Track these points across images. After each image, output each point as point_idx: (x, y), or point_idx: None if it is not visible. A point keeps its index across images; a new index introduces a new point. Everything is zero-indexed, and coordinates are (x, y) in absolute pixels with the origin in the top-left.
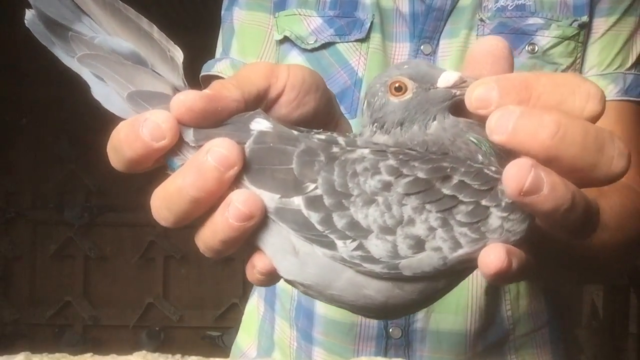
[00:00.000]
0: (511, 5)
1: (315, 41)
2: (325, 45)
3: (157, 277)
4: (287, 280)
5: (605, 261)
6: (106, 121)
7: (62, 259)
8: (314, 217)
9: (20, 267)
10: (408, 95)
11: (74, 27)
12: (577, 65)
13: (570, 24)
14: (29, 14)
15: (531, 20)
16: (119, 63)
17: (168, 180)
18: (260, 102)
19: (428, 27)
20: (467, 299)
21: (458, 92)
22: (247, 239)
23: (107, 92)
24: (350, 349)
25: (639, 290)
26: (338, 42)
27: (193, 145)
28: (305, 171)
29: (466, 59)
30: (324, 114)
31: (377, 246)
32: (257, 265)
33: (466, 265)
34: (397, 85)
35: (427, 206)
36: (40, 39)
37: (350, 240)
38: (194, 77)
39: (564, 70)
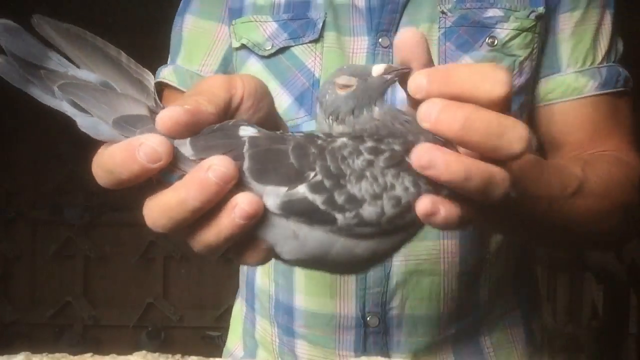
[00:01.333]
0: None
1: (272, 47)
2: (281, 50)
3: (157, 277)
4: (286, 261)
5: (593, 226)
6: None
7: (62, 259)
8: (318, 200)
9: (20, 267)
10: (352, 87)
11: (44, 65)
12: (534, 56)
13: (528, 16)
14: (0, 60)
15: (490, 12)
16: (98, 90)
17: (168, 193)
18: (227, 111)
19: (384, 20)
20: (441, 285)
21: (389, 77)
22: (247, 233)
23: (92, 122)
24: (332, 338)
25: (639, 290)
26: (293, 46)
27: (193, 159)
28: (303, 162)
29: (394, 50)
30: (273, 117)
31: (369, 212)
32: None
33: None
34: (342, 82)
35: (401, 173)
36: (14, 82)
37: (348, 212)
38: None
39: (522, 62)
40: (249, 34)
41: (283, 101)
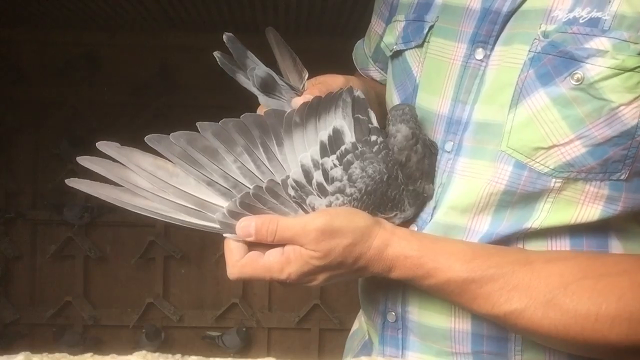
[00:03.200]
0: (584, 18)
1: (392, 49)
2: (398, 53)
3: (157, 277)
4: None
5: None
6: (106, 121)
7: (62, 259)
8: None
9: (20, 267)
10: None
11: (245, 62)
12: None
13: (638, 53)
14: (219, 56)
15: (594, 42)
16: (281, 86)
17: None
18: None
19: (482, 31)
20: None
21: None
22: None
23: (274, 104)
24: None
25: None
26: (404, 50)
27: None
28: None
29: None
30: None
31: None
32: None
33: None
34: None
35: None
36: (227, 71)
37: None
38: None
39: (615, 108)
40: (389, 35)
41: (394, 101)
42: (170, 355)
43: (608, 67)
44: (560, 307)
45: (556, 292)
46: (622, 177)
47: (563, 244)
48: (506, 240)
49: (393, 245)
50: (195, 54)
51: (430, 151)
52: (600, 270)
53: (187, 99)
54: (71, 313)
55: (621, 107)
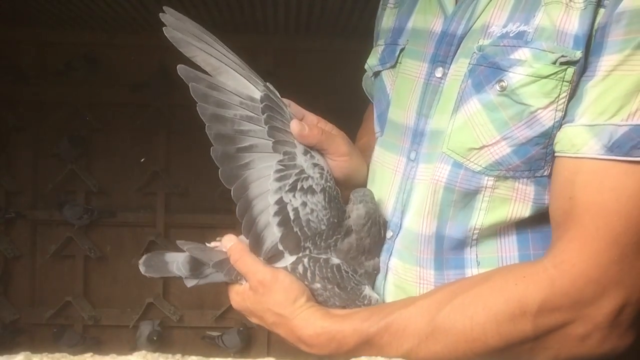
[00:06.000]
0: (513, 32)
1: (372, 70)
2: (376, 74)
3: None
4: None
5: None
6: (106, 121)
7: (62, 259)
8: None
9: (20, 267)
10: None
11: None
12: (559, 105)
13: (555, 61)
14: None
15: (517, 53)
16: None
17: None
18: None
19: (440, 52)
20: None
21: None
22: None
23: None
24: None
25: None
26: (382, 70)
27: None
28: None
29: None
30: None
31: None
32: None
33: None
34: None
35: None
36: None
37: None
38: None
39: (534, 112)
40: (372, 58)
41: (374, 116)
42: (170, 355)
43: (527, 75)
44: (443, 330)
45: (436, 319)
46: (545, 174)
47: (511, 244)
48: (458, 245)
49: (307, 326)
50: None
51: (379, 230)
52: (467, 286)
53: (187, 99)
54: (71, 313)
55: (539, 111)
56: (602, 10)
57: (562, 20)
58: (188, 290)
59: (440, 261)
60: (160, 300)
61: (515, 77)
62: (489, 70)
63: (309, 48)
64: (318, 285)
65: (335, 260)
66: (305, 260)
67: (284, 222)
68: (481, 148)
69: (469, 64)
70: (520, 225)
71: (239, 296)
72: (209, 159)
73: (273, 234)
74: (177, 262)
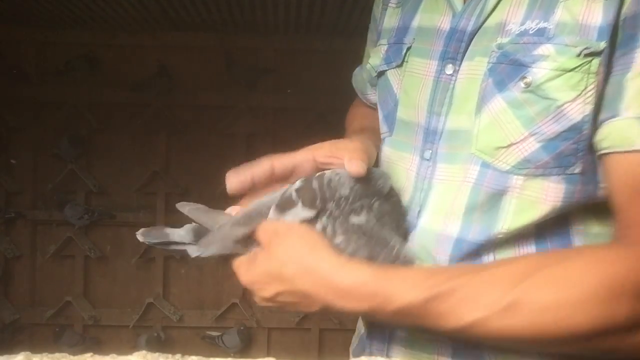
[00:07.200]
0: (533, 29)
1: (377, 70)
2: (381, 74)
3: (157, 277)
4: None
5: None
6: (106, 121)
7: (62, 259)
8: None
9: (20, 267)
10: None
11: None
12: (587, 98)
13: (578, 54)
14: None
15: (541, 49)
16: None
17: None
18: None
19: (450, 49)
20: None
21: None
22: None
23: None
24: None
25: None
26: (387, 70)
27: None
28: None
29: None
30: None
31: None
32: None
33: None
34: None
35: None
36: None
37: None
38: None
39: (560, 106)
40: (374, 58)
41: (379, 117)
42: (170, 355)
43: (551, 70)
44: (522, 305)
45: (515, 291)
46: (576, 171)
47: (529, 251)
48: (477, 250)
49: (344, 272)
50: (195, 54)
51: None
52: (552, 261)
53: (186, 99)
54: (71, 313)
55: (566, 105)
56: (628, 0)
57: (584, 14)
58: (188, 290)
59: (455, 264)
60: (160, 300)
61: (539, 72)
62: (510, 68)
63: (309, 48)
64: (341, 237)
65: (360, 218)
66: (324, 219)
67: (304, 177)
68: (509, 146)
69: (488, 62)
70: (541, 234)
71: (247, 264)
72: (209, 159)
73: (290, 185)
74: (177, 232)
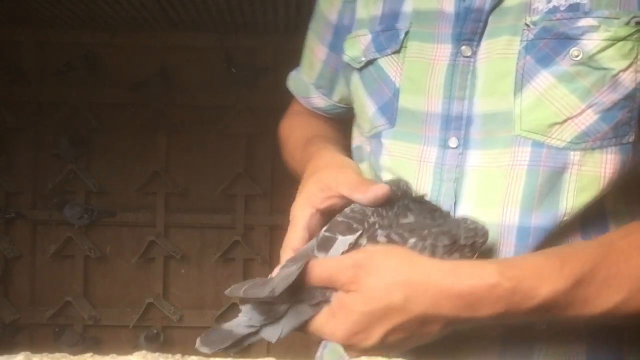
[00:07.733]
0: (564, 6)
1: (363, 59)
2: (370, 62)
3: (157, 277)
4: None
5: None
6: (106, 121)
7: (62, 259)
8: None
9: (20, 267)
10: None
11: None
12: (639, 67)
13: (627, 23)
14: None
15: (582, 23)
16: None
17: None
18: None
19: (466, 30)
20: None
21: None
22: None
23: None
24: None
25: None
26: (379, 58)
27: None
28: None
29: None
30: None
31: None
32: None
33: None
34: None
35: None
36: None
37: None
38: None
39: (615, 75)
40: (351, 50)
41: (368, 110)
42: (170, 355)
43: (603, 40)
44: None
45: None
46: (630, 140)
47: (595, 231)
48: (544, 237)
49: (464, 276)
50: (195, 54)
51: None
52: None
53: (187, 99)
54: (71, 313)
55: (620, 73)
56: None
57: None
58: (188, 290)
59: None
60: (160, 300)
61: (590, 43)
62: (555, 42)
63: None
64: (413, 239)
65: (409, 218)
66: (378, 232)
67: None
68: (565, 121)
69: (521, 40)
70: (584, 222)
71: (332, 318)
72: (209, 159)
73: (316, 237)
74: (239, 323)
